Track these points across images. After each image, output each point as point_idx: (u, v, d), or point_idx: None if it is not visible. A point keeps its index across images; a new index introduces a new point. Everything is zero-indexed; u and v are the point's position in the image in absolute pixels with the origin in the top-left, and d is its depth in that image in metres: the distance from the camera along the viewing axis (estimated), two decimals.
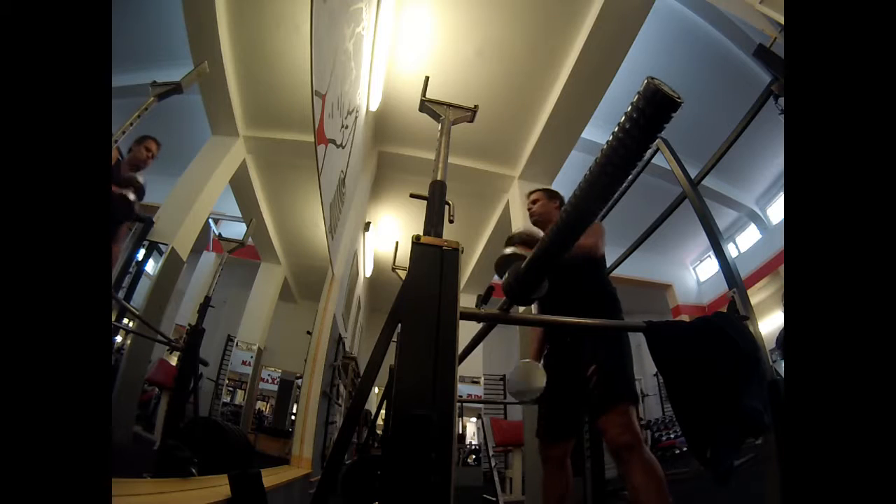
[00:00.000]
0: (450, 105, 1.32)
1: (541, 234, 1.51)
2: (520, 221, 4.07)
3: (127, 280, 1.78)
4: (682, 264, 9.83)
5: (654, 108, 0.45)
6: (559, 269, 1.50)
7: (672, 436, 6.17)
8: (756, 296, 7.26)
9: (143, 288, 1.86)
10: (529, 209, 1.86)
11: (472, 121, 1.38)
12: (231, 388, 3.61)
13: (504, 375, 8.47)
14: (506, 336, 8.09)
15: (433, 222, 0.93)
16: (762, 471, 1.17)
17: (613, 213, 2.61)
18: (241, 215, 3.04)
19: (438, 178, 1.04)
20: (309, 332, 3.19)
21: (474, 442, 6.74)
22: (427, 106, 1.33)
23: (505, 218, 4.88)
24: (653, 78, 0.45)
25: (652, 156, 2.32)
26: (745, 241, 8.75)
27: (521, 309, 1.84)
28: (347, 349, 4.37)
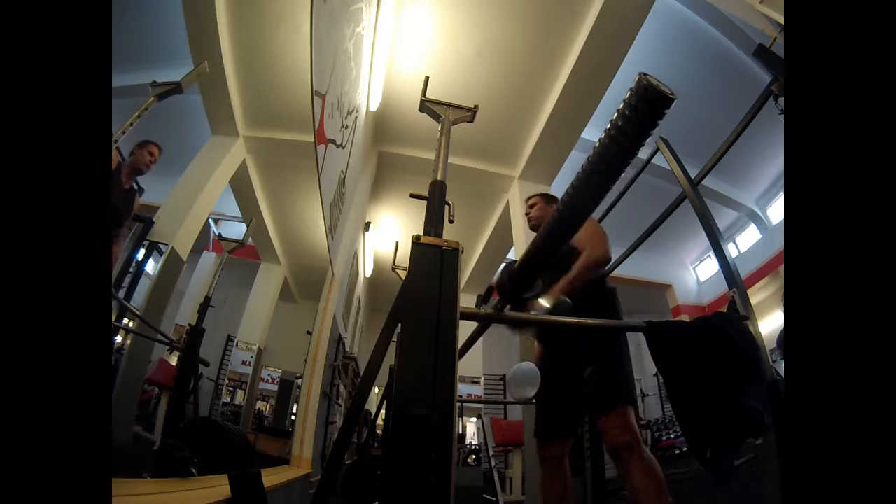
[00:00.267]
0: (450, 105, 1.32)
1: None
2: (520, 222, 4.06)
3: (127, 280, 1.78)
4: (682, 264, 9.84)
5: (647, 104, 0.44)
6: (557, 269, 1.50)
7: (672, 436, 6.17)
8: (756, 296, 7.26)
9: (143, 288, 1.86)
10: (527, 214, 1.86)
11: (472, 121, 1.38)
12: (231, 388, 3.61)
13: (504, 375, 8.47)
14: (506, 335, 8.08)
15: (433, 222, 0.93)
16: (762, 471, 1.17)
17: (613, 213, 2.61)
18: (241, 215, 3.05)
19: (438, 178, 1.04)
20: (309, 332, 3.19)
21: (474, 442, 6.74)
22: (427, 106, 1.33)
23: (505, 218, 4.88)
24: (645, 74, 0.44)
25: (652, 156, 2.32)
26: (745, 241, 8.75)
27: None
28: (347, 349, 4.37)
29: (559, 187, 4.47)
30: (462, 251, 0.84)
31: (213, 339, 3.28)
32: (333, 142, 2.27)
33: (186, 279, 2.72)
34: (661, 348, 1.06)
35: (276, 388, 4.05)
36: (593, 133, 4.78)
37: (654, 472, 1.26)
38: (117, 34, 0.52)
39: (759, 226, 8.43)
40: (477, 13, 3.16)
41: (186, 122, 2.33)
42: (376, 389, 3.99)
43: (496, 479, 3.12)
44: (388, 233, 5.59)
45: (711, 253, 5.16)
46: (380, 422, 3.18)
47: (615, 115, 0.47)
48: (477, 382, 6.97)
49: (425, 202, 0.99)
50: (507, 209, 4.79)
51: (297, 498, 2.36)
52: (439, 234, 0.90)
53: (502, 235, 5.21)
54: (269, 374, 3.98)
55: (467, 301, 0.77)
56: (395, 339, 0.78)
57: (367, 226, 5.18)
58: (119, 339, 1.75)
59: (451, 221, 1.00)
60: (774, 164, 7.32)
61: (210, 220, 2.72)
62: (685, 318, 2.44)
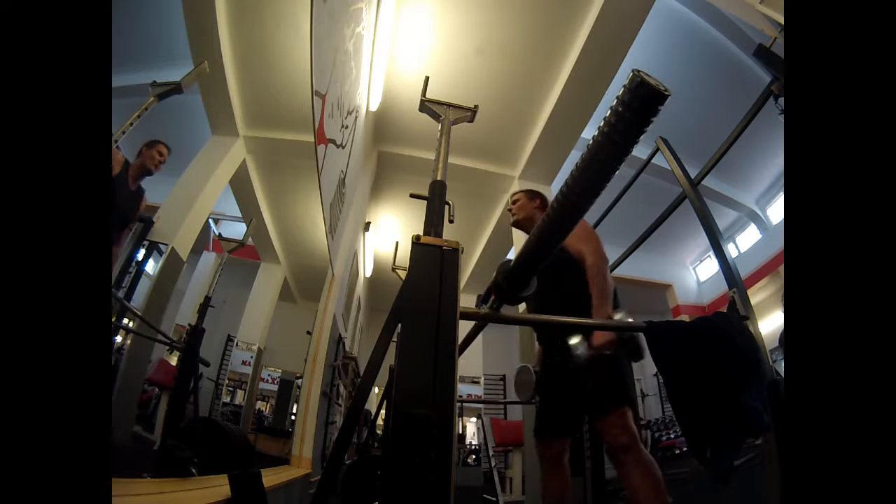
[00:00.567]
0: (450, 105, 1.32)
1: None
2: None
3: (127, 280, 1.78)
4: (682, 264, 9.83)
5: (640, 101, 0.44)
6: (554, 268, 1.50)
7: (672, 436, 6.16)
8: (756, 296, 7.26)
9: (143, 288, 1.86)
10: (510, 210, 1.85)
11: (472, 121, 1.38)
12: (231, 388, 3.61)
13: (504, 375, 8.48)
14: (506, 335, 8.09)
15: (433, 222, 0.93)
16: (762, 471, 1.17)
17: (613, 213, 2.61)
18: (241, 215, 3.05)
19: (438, 178, 1.04)
20: (309, 332, 3.19)
21: (474, 442, 6.74)
22: (427, 106, 1.33)
23: (505, 218, 4.87)
24: (639, 70, 0.43)
25: (652, 156, 2.32)
26: (745, 241, 8.75)
27: (521, 308, 1.84)
28: (347, 349, 4.37)
29: (559, 187, 4.46)
30: (462, 251, 0.83)
31: (213, 339, 3.28)
32: (333, 142, 2.27)
33: (186, 279, 2.72)
34: (661, 348, 1.06)
35: (276, 388, 4.05)
36: (593, 133, 4.78)
37: (653, 472, 1.26)
38: (117, 34, 0.52)
39: (759, 226, 8.43)
40: (477, 13, 3.16)
41: (186, 122, 2.33)
42: (376, 389, 4.00)
43: (496, 479, 3.12)
44: (388, 233, 5.58)
45: (711, 253, 5.16)
46: (380, 422, 3.19)
47: (609, 112, 0.47)
48: (477, 382, 6.97)
49: (425, 202, 0.99)
50: (507, 206, 4.79)
51: (297, 498, 2.37)
52: (439, 234, 0.90)
53: (502, 235, 5.21)
54: (269, 374, 3.98)
55: (467, 301, 0.77)
56: (395, 339, 0.78)
57: (367, 226, 5.18)
58: (119, 339, 1.75)
59: (451, 221, 1.00)
60: (774, 164, 7.32)
61: (210, 220, 2.72)
62: (685, 318, 2.45)
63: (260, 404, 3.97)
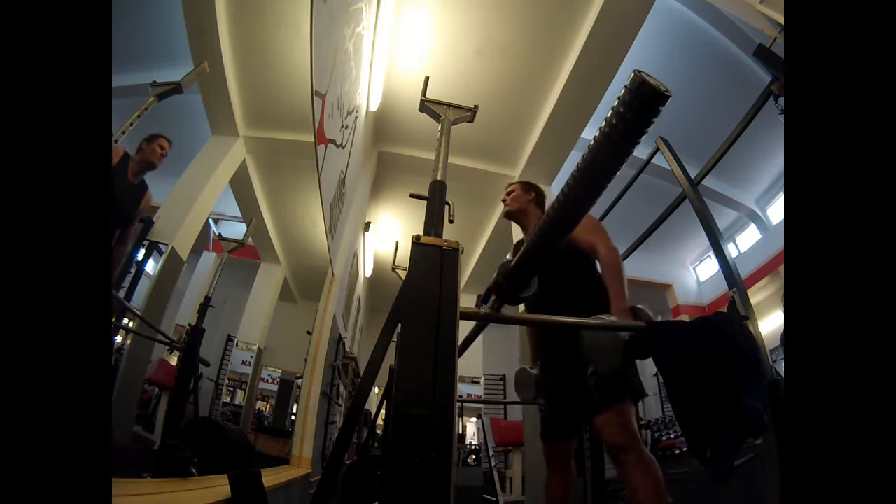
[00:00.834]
0: (450, 105, 1.32)
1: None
2: None
3: (127, 280, 1.78)
4: (682, 264, 9.84)
5: (641, 101, 0.44)
6: (555, 267, 1.50)
7: (672, 436, 6.17)
8: (756, 296, 7.26)
9: (143, 288, 1.86)
10: (504, 200, 1.84)
11: (472, 121, 1.38)
12: (231, 388, 3.61)
13: (504, 375, 8.47)
14: (506, 335, 8.10)
15: (433, 222, 0.93)
16: (762, 471, 1.17)
17: (613, 213, 2.61)
18: (241, 215, 3.05)
19: (438, 178, 1.04)
20: (309, 332, 3.19)
21: (474, 442, 6.74)
22: (427, 106, 1.33)
23: (505, 218, 4.88)
24: (640, 71, 0.43)
25: (652, 156, 2.32)
26: (745, 241, 8.75)
27: (521, 308, 1.84)
28: (347, 349, 4.37)
29: (559, 187, 4.46)
30: (462, 251, 0.83)
31: (213, 339, 3.28)
32: (333, 142, 2.27)
33: (186, 279, 2.72)
34: (661, 348, 1.06)
35: (276, 388, 4.05)
36: (593, 133, 4.78)
37: (653, 472, 1.25)
38: (117, 34, 0.52)
39: (759, 226, 8.43)
40: (477, 13, 3.16)
41: (186, 122, 2.33)
42: (376, 389, 4.00)
43: (496, 479, 3.12)
44: (388, 233, 5.59)
45: (711, 253, 5.16)
46: (380, 422, 3.19)
47: (610, 112, 0.47)
48: (477, 382, 6.97)
49: (425, 202, 0.99)
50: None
51: (297, 498, 2.37)
52: (439, 234, 0.90)
53: (502, 235, 5.21)
54: (269, 374, 3.98)
55: (467, 301, 0.77)
56: (395, 339, 0.78)
57: (367, 226, 5.18)
58: (119, 339, 1.75)
59: (451, 221, 1.00)
60: (774, 164, 7.32)
61: (210, 220, 2.72)
62: (685, 318, 2.45)
63: (260, 404, 3.97)
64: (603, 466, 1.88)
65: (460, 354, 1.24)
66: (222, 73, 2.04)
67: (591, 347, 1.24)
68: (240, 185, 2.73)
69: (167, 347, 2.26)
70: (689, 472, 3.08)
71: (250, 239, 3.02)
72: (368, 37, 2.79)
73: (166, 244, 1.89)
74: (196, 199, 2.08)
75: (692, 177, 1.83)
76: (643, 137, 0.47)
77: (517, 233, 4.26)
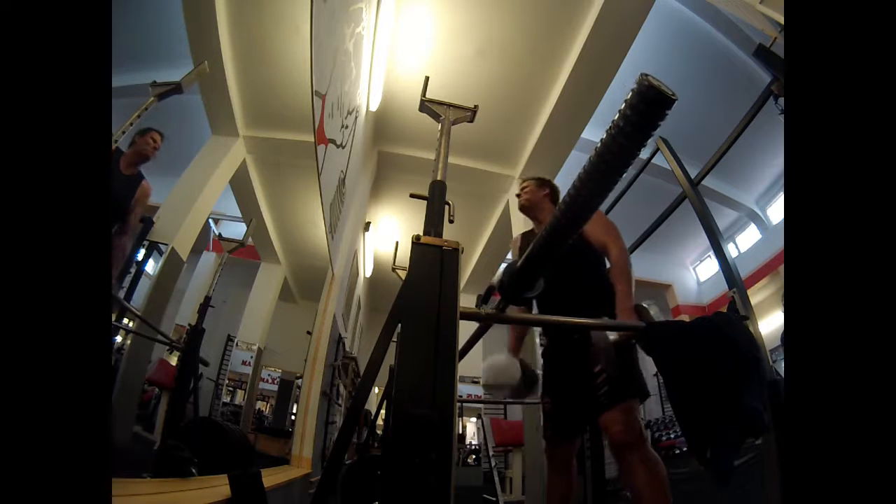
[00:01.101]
0: (450, 105, 1.32)
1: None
2: (520, 221, 4.06)
3: (127, 280, 1.78)
4: (682, 264, 9.84)
5: (648, 104, 0.44)
6: (559, 266, 1.50)
7: (672, 436, 6.17)
8: (756, 296, 7.26)
9: (143, 288, 1.86)
10: (518, 195, 1.84)
11: (472, 121, 1.38)
12: (231, 388, 3.61)
13: None
14: (506, 335, 8.08)
15: (433, 222, 0.93)
16: (762, 471, 1.17)
17: (613, 214, 2.61)
18: (241, 215, 3.05)
19: (438, 178, 1.04)
20: (309, 332, 3.19)
21: (474, 442, 6.74)
22: (427, 106, 1.33)
23: (505, 218, 4.88)
24: (646, 74, 0.44)
25: (652, 156, 2.32)
26: (745, 241, 8.75)
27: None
28: (347, 349, 4.37)
29: (560, 187, 4.46)
30: (462, 251, 0.83)
31: (213, 339, 3.28)
32: (333, 142, 2.27)
33: (186, 279, 2.72)
34: (661, 348, 1.06)
35: (276, 388, 4.05)
36: (593, 133, 4.78)
37: (658, 470, 1.24)
38: (117, 34, 0.52)
39: (759, 226, 8.43)
40: (477, 13, 3.16)
41: (186, 122, 2.33)
42: (376, 389, 4.00)
43: (496, 479, 3.11)
44: (388, 233, 5.58)
45: (711, 253, 5.16)
46: (380, 422, 3.19)
47: (617, 115, 0.47)
48: (477, 382, 6.96)
49: (425, 202, 0.99)
50: (507, 209, 4.79)
51: (297, 498, 2.36)
52: (439, 234, 0.90)
53: (502, 235, 5.21)
54: (269, 374, 3.98)
55: (467, 301, 0.77)
56: (395, 339, 0.78)
57: (367, 226, 5.18)
58: (119, 339, 1.75)
59: (451, 221, 1.00)
60: (774, 164, 7.32)
61: (210, 220, 2.72)
62: (685, 318, 2.45)
63: (260, 404, 3.97)
64: (603, 466, 1.88)
65: (463, 357, 1.24)
66: (222, 73, 2.04)
67: (598, 347, 1.25)
68: (240, 185, 2.74)
69: (167, 347, 2.26)
70: (689, 472, 3.08)
71: (250, 239, 3.02)
72: (368, 37, 2.79)
73: (166, 244, 1.89)
74: (196, 199, 2.08)
75: (692, 177, 1.83)
76: None
77: (517, 233, 4.26)
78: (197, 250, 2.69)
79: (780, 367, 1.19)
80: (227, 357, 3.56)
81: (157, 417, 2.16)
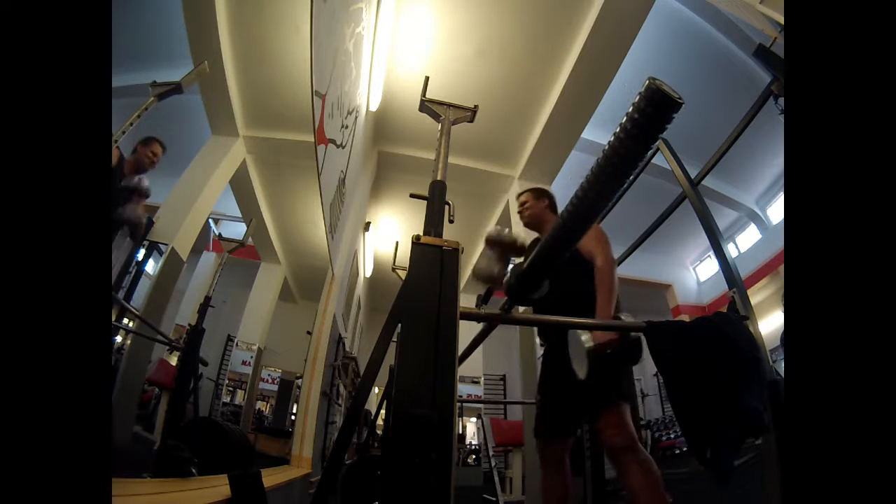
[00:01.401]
0: (450, 105, 1.32)
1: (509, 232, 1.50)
2: (519, 221, 4.06)
3: (127, 280, 1.78)
4: (682, 264, 9.83)
5: (655, 108, 0.45)
6: (564, 270, 1.50)
7: (672, 436, 6.17)
8: (756, 296, 7.26)
9: (143, 288, 1.86)
10: (519, 212, 1.85)
11: (472, 121, 1.38)
12: (231, 388, 3.61)
13: (504, 375, 8.47)
14: (506, 336, 8.08)
15: (433, 222, 0.93)
16: (762, 471, 1.17)
17: (613, 213, 2.61)
18: (241, 215, 3.04)
19: (438, 178, 1.04)
20: (309, 332, 3.19)
21: (474, 442, 6.74)
22: (427, 106, 1.33)
23: (505, 218, 4.88)
24: (654, 78, 0.45)
25: (652, 156, 2.32)
26: (745, 241, 8.75)
27: (521, 309, 1.84)
28: (347, 349, 4.37)
29: (559, 187, 4.47)
30: (462, 251, 0.84)
31: (213, 339, 3.28)
32: (333, 142, 2.27)
33: (186, 279, 2.72)
34: (661, 348, 1.06)
35: (276, 388, 4.05)
36: (593, 133, 4.79)
37: (651, 472, 1.26)
38: (117, 34, 0.52)
39: (759, 226, 8.42)
40: (477, 13, 3.16)
41: (186, 122, 2.32)
42: (376, 389, 4.00)
43: (496, 479, 3.12)
44: (388, 233, 5.58)
45: (711, 253, 5.16)
46: (380, 422, 3.19)
47: (624, 118, 0.48)
48: (477, 382, 6.98)
49: (425, 202, 0.99)
50: (507, 209, 4.79)
51: (297, 498, 2.36)
52: (439, 234, 0.90)
53: None
54: (269, 374, 3.98)
55: (467, 301, 0.77)
56: (395, 339, 0.78)
57: (367, 226, 5.18)
58: (119, 339, 1.75)
59: (451, 221, 1.00)
60: (774, 164, 7.31)
61: (210, 220, 2.72)
62: (685, 318, 2.45)
63: (260, 404, 3.97)
64: (603, 466, 1.88)
65: (465, 358, 1.24)
66: (222, 73, 2.04)
67: (571, 353, 1.26)
68: (240, 185, 2.73)
69: (167, 347, 2.26)
70: (689, 472, 3.08)
71: (250, 239, 3.02)
72: (368, 37, 2.79)
73: (166, 244, 1.88)
74: (196, 199, 2.08)
75: (692, 177, 1.83)
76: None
77: (517, 233, 4.26)
78: (197, 250, 2.69)
79: (780, 367, 1.19)
80: (227, 357, 3.56)
81: (157, 417, 2.16)
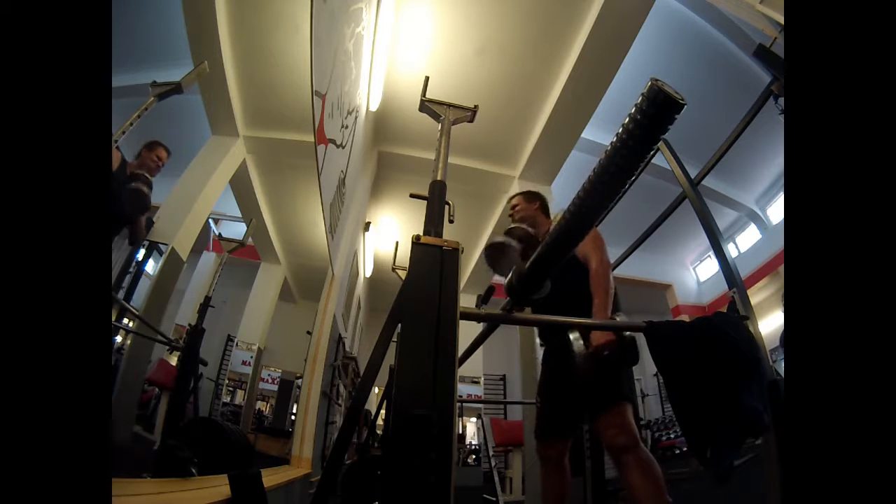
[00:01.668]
0: (450, 105, 1.32)
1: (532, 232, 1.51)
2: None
3: (127, 280, 1.78)
4: (682, 264, 9.83)
5: (657, 109, 0.45)
6: (565, 270, 1.50)
7: (672, 436, 6.16)
8: (756, 296, 7.26)
9: (143, 288, 1.85)
10: (511, 215, 1.86)
11: (472, 121, 1.38)
12: (231, 388, 3.60)
13: (504, 375, 8.47)
14: (506, 336, 8.09)
15: (433, 222, 0.93)
16: (762, 471, 1.17)
17: (613, 213, 2.60)
18: (241, 215, 3.04)
19: (438, 178, 1.04)
20: (309, 332, 3.19)
21: (474, 442, 6.74)
22: (427, 106, 1.33)
23: (505, 218, 4.86)
24: (656, 79, 0.45)
25: (652, 156, 2.31)
26: (745, 241, 8.75)
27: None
28: (347, 349, 4.37)
29: (559, 187, 4.47)
30: (462, 251, 0.84)
31: (213, 339, 3.28)
32: (333, 142, 2.27)
33: (186, 279, 2.72)
34: (661, 348, 1.06)
35: (276, 388, 4.04)
36: (594, 133, 4.79)
37: (653, 472, 1.26)
38: (117, 34, 0.52)
39: (759, 226, 8.42)
40: (477, 13, 3.16)
41: (186, 122, 2.32)
42: (376, 389, 4.00)
43: (496, 479, 3.12)
44: (388, 233, 5.58)
45: (711, 253, 5.15)
46: (380, 422, 3.19)
47: (626, 118, 0.48)
48: (477, 382, 6.97)
49: (425, 202, 0.99)
50: (507, 209, 4.79)
51: (297, 498, 2.37)
52: (439, 234, 0.90)
53: None
54: (269, 374, 3.98)
55: (467, 301, 0.77)
56: (395, 339, 0.78)
57: (367, 226, 5.18)
58: (119, 339, 1.75)
59: (451, 221, 1.00)
60: (774, 164, 7.32)
61: (210, 220, 2.71)
62: (685, 318, 2.45)
63: (260, 404, 3.97)
64: (603, 466, 1.88)
65: (465, 359, 1.24)
66: (222, 73, 2.04)
67: (574, 355, 1.26)
68: (240, 185, 2.73)
69: (167, 347, 2.26)
70: (689, 472, 3.08)
71: (250, 239, 3.02)
72: (368, 37, 2.79)
73: (166, 244, 1.88)
74: (196, 199, 2.08)
75: (692, 177, 1.83)
76: None
77: None
78: (197, 250, 2.68)
79: (780, 367, 1.19)
80: (227, 357, 3.56)
81: (157, 417, 2.16)
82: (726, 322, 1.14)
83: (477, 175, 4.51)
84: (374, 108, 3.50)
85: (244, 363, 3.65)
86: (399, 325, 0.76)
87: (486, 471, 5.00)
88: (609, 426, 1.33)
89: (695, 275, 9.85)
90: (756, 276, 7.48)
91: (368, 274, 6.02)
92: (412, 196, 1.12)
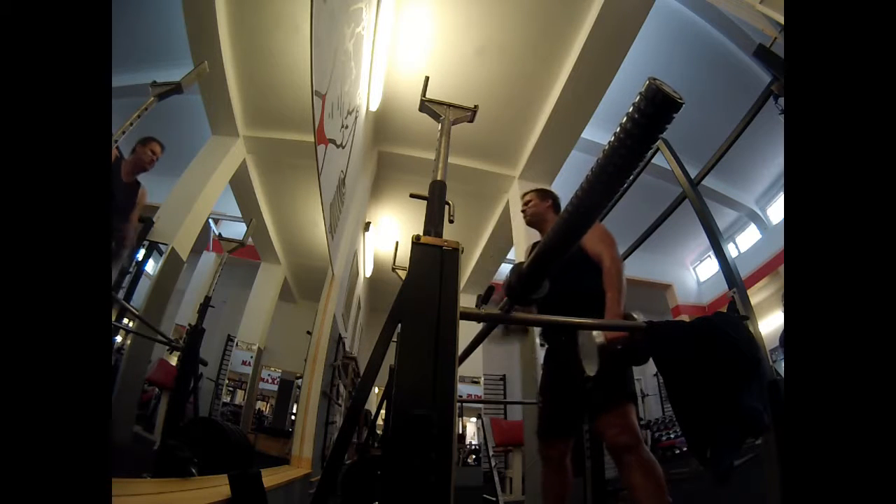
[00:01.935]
0: (450, 105, 1.32)
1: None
2: (520, 221, 4.05)
3: (127, 280, 1.78)
4: (682, 264, 9.83)
5: (655, 108, 0.45)
6: (568, 264, 1.50)
7: (672, 436, 6.16)
8: (756, 296, 7.26)
9: (143, 288, 1.85)
10: (523, 210, 1.87)
11: (472, 121, 1.38)
12: (231, 388, 3.60)
13: (504, 375, 8.46)
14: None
15: (433, 222, 0.93)
16: (762, 471, 1.17)
17: (613, 213, 2.61)
18: (241, 215, 3.04)
19: (438, 178, 1.04)
20: (309, 332, 3.19)
21: (474, 442, 6.73)
22: (427, 106, 1.33)
23: (505, 218, 4.88)
24: (654, 78, 0.45)
25: (652, 156, 2.32)
26: (745, 241, 8.75)
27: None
28: (347, 349, 4.37)
29: (559, 187, 4.47)
30: (462, 251, 0.84)
31: (213, 339, 3.28)
32: (333, 142, 2.27)
33: (186, 279, 2.72)
34: (661, 348, 1.06)
35: (276, 388, 4.04)
36: (594, 133, 4.78)
37: (654, 472, 1.26)
38: (117, 34, 0.52)
39: (759, 226, 8.42)
40: (477, 13, 3.16)
41: (186, 122, 2.32)
42: (376, 389, 4.00)
43: (496, 479, 3.12)
44: (388, 233, 5.58)
45: (711, 253, 5.16)
46: (380, 422, 3.19)
47: (624, 118, 0.48)
48: (477, 382, 6.97)
49: (425, 202, 0.99)
50: (507, 209, 4.79)
51: (297, 498, 2.37)
52: (439, 234, 0.90)
53: (502, 235, 5.21)
54: (269, 374, 3.98)
55: (467, 301, 0.77)
56: (395, 339, 0.78)
57: (367, 226, 5.18)
58: (119, 339, 1.75)
59: (451, 221, 1.00)
60: (774, 164, 7.32)
61: (210, 220, 2.72)
62: (685, 318, 2.45)
63: (260, 404, 3.97)
64: (603, 466, 1.88)
65: (465, 358, 1.24)
66: (222, 73, 2.04)
67: (581, 350, 1.26)
68: (240, 185, 2.73)
69: (167, 347, 2.26)
70: (689, 472, 3.08)
71: (250, 239, 3.02)
72: (368, 37, 2.79)
73: (166, 244, 1.88)
74: (196, 199, 2.08)
75: (692, 177, 1.83)
76: None
77: (517, 233, 4.27)
78: (197, 250, 2.68)
79: (780, 367, 1.19)
80: (227, 357, 3.56)
81: (157, 417, 2.16)
82: (726, 322, 1.14)
83: (477, 175, 4.51)
84: (374, 108, 3.50)
85: (244, 363, 3.65)
86: (399, 325, 0.76)
87: (486, 471, 5.00)
88: (612, 425, 1.33)
89: (695, 275, 9.85)
90: (756, 276, 7.48)
91: (368, 274, 6.02)
92: (412, 196, 1.12)
